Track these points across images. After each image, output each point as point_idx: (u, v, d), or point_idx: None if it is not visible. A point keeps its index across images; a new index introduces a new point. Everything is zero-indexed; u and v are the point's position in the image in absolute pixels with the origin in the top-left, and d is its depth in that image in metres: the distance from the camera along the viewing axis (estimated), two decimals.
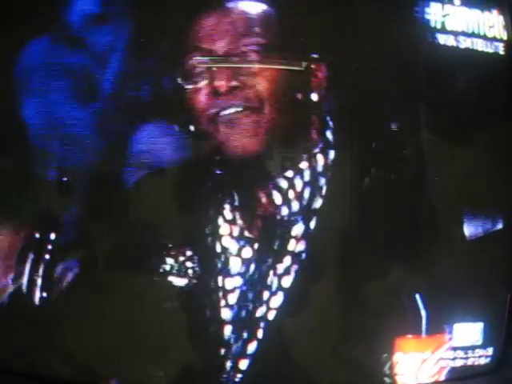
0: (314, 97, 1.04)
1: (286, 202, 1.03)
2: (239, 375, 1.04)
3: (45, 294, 1.04)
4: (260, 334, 1.03)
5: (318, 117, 1.05)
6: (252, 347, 1.03)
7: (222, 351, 1.04)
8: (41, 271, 1.04)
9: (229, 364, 1.04)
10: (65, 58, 1.05)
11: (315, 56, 1.03)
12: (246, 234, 1.03)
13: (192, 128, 1.02)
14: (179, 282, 1.03)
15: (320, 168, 1.05)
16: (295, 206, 1.03)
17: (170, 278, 1.03)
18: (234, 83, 1.00)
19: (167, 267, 1.02)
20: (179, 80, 1.01)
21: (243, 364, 1.04)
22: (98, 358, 1.03)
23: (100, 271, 1.05)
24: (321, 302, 1.04)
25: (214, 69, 1.00)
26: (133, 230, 1.04)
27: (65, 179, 1.05)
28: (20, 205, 1.05)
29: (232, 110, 1.01)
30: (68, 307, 1.05)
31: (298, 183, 1.04)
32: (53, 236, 1.04)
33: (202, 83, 1.01)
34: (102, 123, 1.04)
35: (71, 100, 1.04)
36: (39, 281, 1.04)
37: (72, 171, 1.05)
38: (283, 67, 1.01)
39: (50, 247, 1.04)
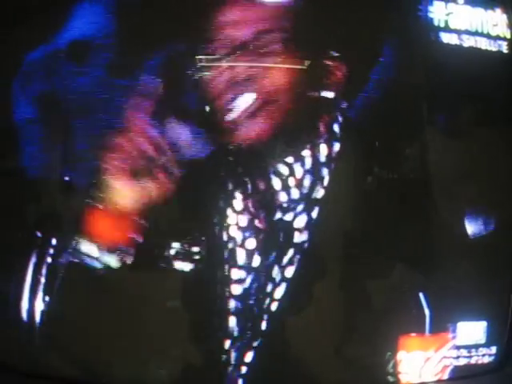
0: (330, 94, 1.04)
1: (291, 191, 1.03)
2: (244, 368, 1.04)
3: (47, 294, 1.04)
4: (264, 326, 1.03)
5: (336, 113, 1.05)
6: (257, 340, 1.03)
7: (227, 344, 1.03)
8: (43, 271, 1.04)
9: (234, 357, 1.04)
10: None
11: (335, 54, 1.03)
12: (256, 223, 1.04)
13: (206, 114, 1.03)
14: (185, 271, 1.02)
15: (324, 159, 1.05)
16: (297, 194, 1.04)
17: (175, 269, 1.02)
18: (252, 71, 1.01)
19: (171, 258, 1.02)
20: (198, 65, 1.01)
21: (248, 357, 1.04)
22: (101, 357, 1.04)
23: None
24: (323, 300, 1.04)
25: (234, 56, 1.01)
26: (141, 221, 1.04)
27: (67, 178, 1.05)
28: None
29: (248, 98, 1.01)
30: (71, 306, 1.05)
31: (300, 172, 1.04)
32: (54, 235, 1.04)
33: (221, 69, 1.01)
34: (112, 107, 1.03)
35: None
36: (40, 280, 1.04)
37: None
38: (301, 63, 1.02)
39: (52, 247, 1.04)
